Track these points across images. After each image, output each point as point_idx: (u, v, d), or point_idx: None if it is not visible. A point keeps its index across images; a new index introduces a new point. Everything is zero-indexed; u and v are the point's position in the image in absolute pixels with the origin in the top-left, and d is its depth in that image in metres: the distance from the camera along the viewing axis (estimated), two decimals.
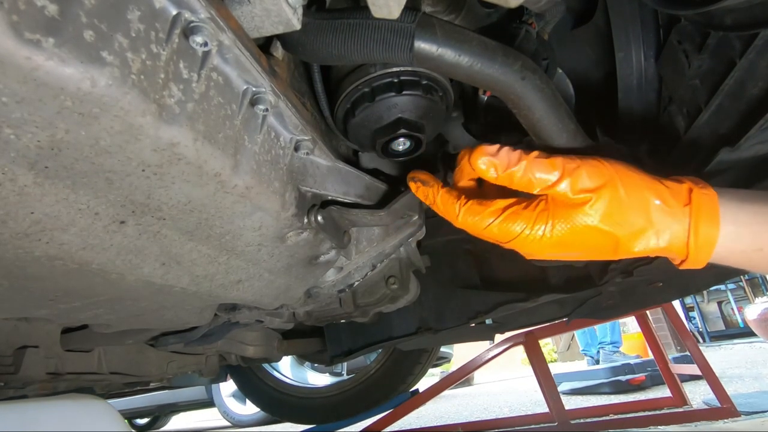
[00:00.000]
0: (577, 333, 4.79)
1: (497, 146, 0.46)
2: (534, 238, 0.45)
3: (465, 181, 0.53)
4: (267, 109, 0.44)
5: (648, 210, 0.42)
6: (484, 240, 0.49)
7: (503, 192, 0.49)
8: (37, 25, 0.24)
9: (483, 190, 0.54)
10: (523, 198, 0.47)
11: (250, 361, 1.48)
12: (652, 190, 0.43)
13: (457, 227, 0.50)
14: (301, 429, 2.21)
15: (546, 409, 2.07)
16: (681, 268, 0.44)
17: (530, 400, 3.26)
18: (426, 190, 0.52)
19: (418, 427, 2.44)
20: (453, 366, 3.88)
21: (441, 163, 0.83)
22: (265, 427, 3.50)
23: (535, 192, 0.45)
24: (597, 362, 4.10)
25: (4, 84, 0.25)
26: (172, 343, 0.85)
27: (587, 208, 0.42)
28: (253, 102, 0.43)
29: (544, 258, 0.49)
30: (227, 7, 0.37)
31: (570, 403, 2.55)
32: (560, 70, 0.68)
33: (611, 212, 0.42)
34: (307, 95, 0.62)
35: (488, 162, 0.46)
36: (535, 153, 0.45)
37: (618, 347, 4.10)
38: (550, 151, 0.46)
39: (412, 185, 0.55)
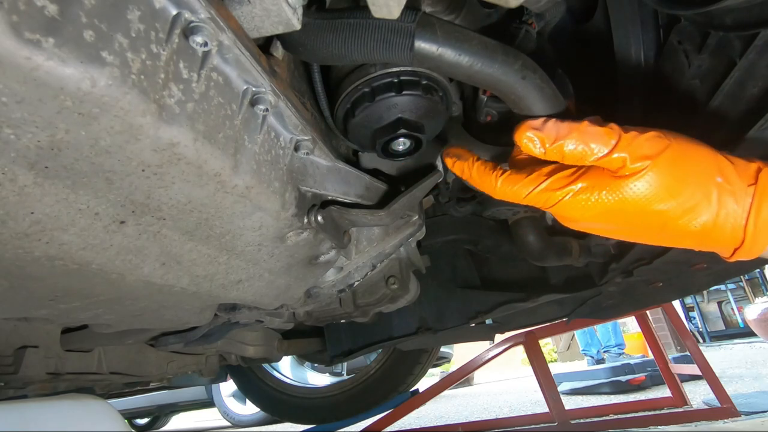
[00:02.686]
0: (577, 333, 4.80)
1: (543, 119, 0.43)
2: (578, 204, 0.42)
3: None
4: (267, 109, 0.44)
5: (707, 186, 0.39)
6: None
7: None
8: (37, 25, 0.24)
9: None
10: (565, 165, 0.44)
11: (250, 361, 1.48)
12: (715, 166, 0.40)
13: (496, 198, 0.48)
14: (301, 429, 2.21)
15: (546, 409, 2.07)
16: (731, 259, 0.41)
17: (530, 400, 3.26)
18: (462, 164, 0.51)
19: (418, 427, 2.44)
20: (453, 366, 3.88)
21: (441, 163, 0.83)
22: (265, 427, 3.50)
23: (587, 163, 0.41)
24: (598, 363, 4.10)
25: (4, 84, 0.25)
26: (172, 343, 0.85)
27: (641, 179, 0.39)
28: (253, 102, 0.43)
29: (580, 226, 0.46)
30: (227, 7, 0.37)
31: (570, 403, 2.56)
32: (560, 70, 0.68)
33: (666, 185, 0.39)
34: (307, 95, 0.62)
35: (534, 136, 0.43)
36: (586, 122, 0.42)
37: (623, 349, 4.10)
38: (601, 121, 0.43)
39: (448, 161, 0.55)
